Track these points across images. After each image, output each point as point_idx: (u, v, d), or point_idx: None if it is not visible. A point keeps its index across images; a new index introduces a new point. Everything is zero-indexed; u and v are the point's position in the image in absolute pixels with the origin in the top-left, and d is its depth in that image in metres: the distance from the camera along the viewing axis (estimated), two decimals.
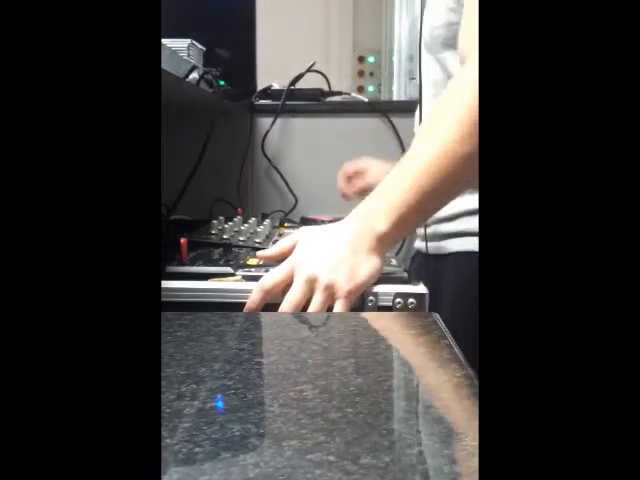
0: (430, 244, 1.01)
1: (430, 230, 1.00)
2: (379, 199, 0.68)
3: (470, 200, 0.90)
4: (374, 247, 0.66)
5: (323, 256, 0.66)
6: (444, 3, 0.91)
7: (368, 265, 0.65)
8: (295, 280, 0.65)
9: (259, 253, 0.75)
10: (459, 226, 0.95)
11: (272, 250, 0.73)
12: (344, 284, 0.64)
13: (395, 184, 0.68)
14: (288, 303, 0.64)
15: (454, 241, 0.96)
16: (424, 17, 0.97)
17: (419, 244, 1.06)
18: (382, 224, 0.66)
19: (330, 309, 0.65)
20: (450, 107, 0.69)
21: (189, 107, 1.19)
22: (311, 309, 0.64)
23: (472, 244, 0.92)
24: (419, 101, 1.01)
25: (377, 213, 0.67)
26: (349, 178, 1.24)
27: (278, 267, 0.68)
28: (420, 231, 1.03)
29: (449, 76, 0.93)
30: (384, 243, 0.67)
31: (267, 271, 0.71)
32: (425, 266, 1.04)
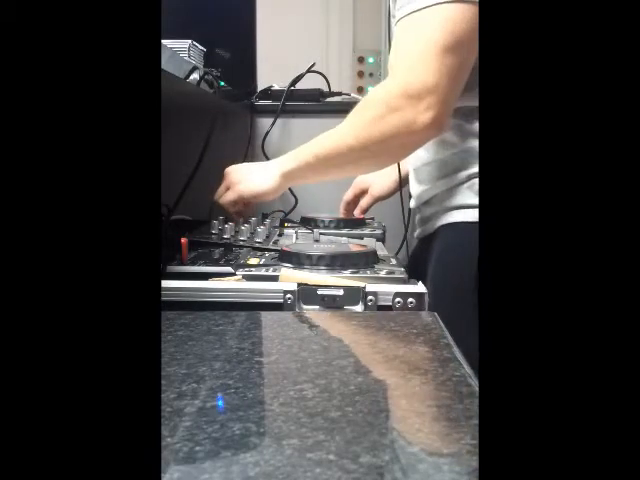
0: (422, 228, 1.09)
1: (418, 215, 1.09)
2: (292, 153, 0.99)
3: (441, 184, 1.00)
4: (275, 174, 0.99)
5: (240, 172, 1.04)
6: None
7: (262, 182, 1.00)
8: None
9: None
10: (435, 207, 1.02)
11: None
12: (237, 184, 1.02)
13: (303, 149, 0.98)
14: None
15: (437, 219, 1.03)
16: None
17: (417, 232, 1.13)
18: (287, 164, 0.98)
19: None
20: (355, 111, 0.95)
21: (190, 108, 1.19)
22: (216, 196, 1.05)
23: (454, 217, 0.99)
24: None
25: (287, 158, 0.99)
26: (352, 203, 1.31)
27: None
28: (417, 217, 1.11)
29: None
30: (283, 177, 0.99)
31: (267, 271, 0.71)
32: (420, 249, 1.13)
